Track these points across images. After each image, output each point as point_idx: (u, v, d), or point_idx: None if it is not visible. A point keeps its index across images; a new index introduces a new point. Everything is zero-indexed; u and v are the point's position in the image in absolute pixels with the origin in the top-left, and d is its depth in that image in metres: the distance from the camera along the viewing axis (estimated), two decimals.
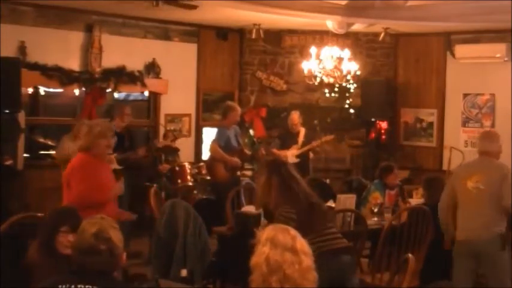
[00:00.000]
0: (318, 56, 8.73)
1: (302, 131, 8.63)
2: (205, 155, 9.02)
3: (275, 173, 4.30)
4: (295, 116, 8.67)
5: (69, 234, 3.57)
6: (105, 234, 2.71)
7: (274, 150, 8.61)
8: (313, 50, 8.75)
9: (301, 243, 2.57)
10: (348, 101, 10.04)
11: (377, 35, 9.64)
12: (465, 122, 9.79)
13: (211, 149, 7.91)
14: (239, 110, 8.22)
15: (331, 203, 6.04)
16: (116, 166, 7.47)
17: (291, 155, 8.34)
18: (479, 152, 5.24)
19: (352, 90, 9.66)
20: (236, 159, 7.85)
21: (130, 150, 7.66)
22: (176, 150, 8.73)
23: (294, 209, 4.13)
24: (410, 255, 3.89)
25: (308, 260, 2.54)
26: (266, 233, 2.59)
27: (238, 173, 8.21)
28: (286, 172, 4.32)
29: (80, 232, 2.77)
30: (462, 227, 5.07)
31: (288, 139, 8.63)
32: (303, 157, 8.49)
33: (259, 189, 4.43)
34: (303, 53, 9.68)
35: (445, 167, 9.67)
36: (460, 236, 5.08)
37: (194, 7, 7.63)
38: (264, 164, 4.67)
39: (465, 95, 9.77)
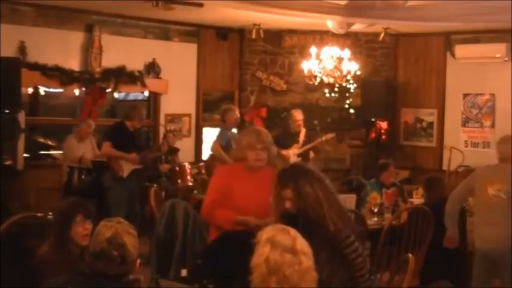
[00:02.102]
0: (318, 56, 8.73)
1: (303, 131, 8.58)
2: (206, 155, 9.02)
3: (307, 182, 3.39)
4: (298, 114, 8.53)
5: (85, 222, 3.56)
6: (119, 240, 2.66)
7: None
8: (313, 50, 8.75)
9: (301, 244, 2.55)
10: (348, 101, 10.05)
11: (377, 35, 9.64)
12: (465, 122, 9.80)
13: (213, 149, 7.91)
14: (236, 109, 8.24)
15: None
16: (137, 166, 7.72)
17: (292, 154, 8.31)
18: (499, 159, 5.01)
19: (352, 90, 9.66)
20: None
21: (143, 149, 7.89)
22: (176, 150, 8.75)
23: (353, 229, 3.39)
24: (410, 255, 3.88)
25: (308, 261, 2.53)
26: (266, 233, 2.58)
27: None
28: (317, 175, 3.52)
29: (95, 234, 2.73)
30: (481, 235, 4.93)
31: (288, 139, 8.58)
32: (303, 157, 8.47)
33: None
34: (303, 53, 9.69)
35: (445, 167, 9.68)
36: (479, 244, 4.95)
37: (200, 5, 7.63)
38: (284, 175, 3.48)
39: (465, 95, 9.77)
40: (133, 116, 7.73)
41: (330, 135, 8.71)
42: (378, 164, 7.11)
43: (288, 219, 3.19)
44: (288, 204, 3.33)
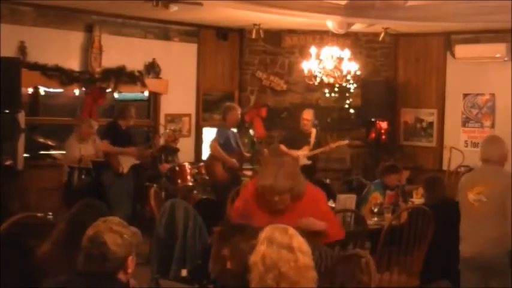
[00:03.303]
0: (318, 56, 8.73)
1: (313, 132, 8.56)
2: (206, 155, 9.02)
3: (243, 239, 3.18)
4: (305, 114, 8.50)
5: None
6: (100, 238, 2.69)
7: (284, 148, 8.51)
8: (313, 50, 8.75)
9: (299, 242, 2.56)
10: (348, 101, 10.05)
11: (377, 35, 9.64)
12: (465, 122, 9.80)
13: (211, 148, 7.96)
14: (238, 109, 8.24)
15: (331, 203, 6.05)
16: (135, 161, 7.91)
17: (302, 156, 8.28)
18: (481, 159, 4.77)
19: (352, 90, 9.67)
20: (234, 161, 7.89)
21: (135, 145, 8.00)
22: (176, 150, 8.76)
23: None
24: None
25: (305, 259, 2.53)
26: (264, 233, 2.58)
27: (239, 172, 8.23)
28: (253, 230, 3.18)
29: (84, 235, 2.77)
30: (466, 243, 4.71)
31: (298, 139, 8.53)
32: (313, 159, 8.48)
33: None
34: (303, 53, 9.68)
35: (445, 167, 9.68)
36: (464, 252, 4.72)
37: (199, 3, 7.63)
38: (222, 235, 3.42)
39: (465, 95, 9.78)
40: (125, 114, 7.84)
41: (343, 142, 8.74)
42: (386, 165, 7.03)
43: (229, 279, 3.09)
44: (228, 265, 3.15)
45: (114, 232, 2.73)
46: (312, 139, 8.48)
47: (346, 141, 8.86)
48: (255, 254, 2.52)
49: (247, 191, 4.28)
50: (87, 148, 7.87)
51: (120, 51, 8.79)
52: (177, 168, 8.20)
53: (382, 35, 9.56)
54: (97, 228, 2.73)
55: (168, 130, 8.88)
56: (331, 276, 3.67)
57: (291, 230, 2.60)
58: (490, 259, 4.55)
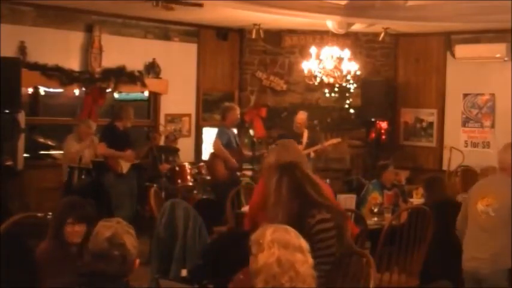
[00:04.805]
0: (318, 56, 8.74)
1: (306, 133, 8.62)
2: (206, 155, 9.03)
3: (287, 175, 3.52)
4: (303, 116, 8.66)
5: (75, 225, 3.65)
6: (119, 239, 2.66)
7: None
8: (313, 50, 8.76)
9: (304, 242, 2.60)
10: (348, 101, 10.05)
11: (377, 35, 9.64)
12: (465, 122, 9.80)
13: (215, 146, 7.95)
14: (237, 109, 8.26)
15: None
16: (136, 161, 7.91)
17: None
18: (498, 168, 4.64)
19: (352, 90, 9.67)
20: (234, 161, 7.91)
21: (133, 147, 7.97)
22: (176, 150, 8.77)
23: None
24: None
25: (310, 258, 2.58)
26: (269, 234, 2.58)
27: (238, 173, 8.23)
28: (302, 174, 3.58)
29: (94, 235, 2.73)
30: (467, 257, 4.56)
31: (290, 138, 8.59)
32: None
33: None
34: (303, 53, 9.69)
35: (445, 167, 9.68)
36: (465, 265, 4.60)
37: (200, 5, 7.65)
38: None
39: (465, 95, 9.78)
40: (122, 116, 7.82)
41: (336, 140, 8.75)
42: (379, 164, 7.11)
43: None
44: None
45: (129, 234, 2.73)
46: (304, 139, 8.56)
47: (339, 140, 8.88)
48: (267, 257, 2.53)
49: (261, 182, 4.29)
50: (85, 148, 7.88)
51: (120, 51, 8.80)
52: (177, 168, 8.20)
53: (382, 35, 9.56)
54: (114, 230, 2.69)
55: (167, 127, 8.91)
56: (341, 275, 3.66)
57: (293, 230, 2.63)
58: (488, 277, 4.44)
